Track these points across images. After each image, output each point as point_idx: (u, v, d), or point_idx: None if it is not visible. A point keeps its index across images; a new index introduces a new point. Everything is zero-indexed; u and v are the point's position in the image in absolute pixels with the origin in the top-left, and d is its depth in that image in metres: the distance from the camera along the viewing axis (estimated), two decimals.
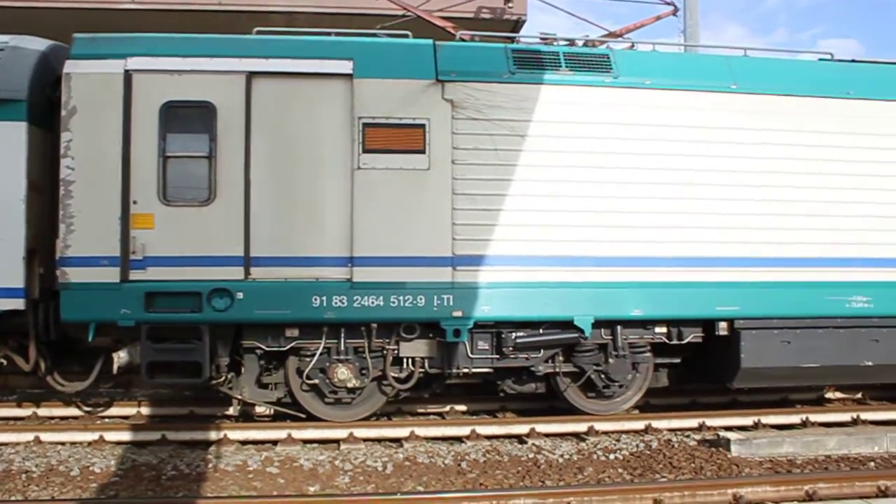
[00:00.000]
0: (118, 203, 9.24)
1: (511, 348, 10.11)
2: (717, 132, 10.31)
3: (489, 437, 10.17)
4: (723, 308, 10.19)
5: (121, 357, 9.45)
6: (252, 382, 10.20)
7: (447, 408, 11.61)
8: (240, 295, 9.31)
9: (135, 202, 9.31)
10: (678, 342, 10.56)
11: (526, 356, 10.27)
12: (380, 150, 9.62)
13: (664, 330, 10.56)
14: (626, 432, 10.39)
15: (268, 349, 9.89)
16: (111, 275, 9.14)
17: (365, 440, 9.95)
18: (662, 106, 10.24)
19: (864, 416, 11.30)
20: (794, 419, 11.09)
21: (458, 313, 9.67)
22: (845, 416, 11.30)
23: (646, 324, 10.46)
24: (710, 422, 10.72)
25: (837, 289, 10.44)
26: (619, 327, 10.38)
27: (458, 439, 10.15)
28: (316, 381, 10.06)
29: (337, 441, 9.91)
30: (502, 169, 9.86)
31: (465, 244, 9.73)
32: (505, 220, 9.84)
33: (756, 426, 10.75)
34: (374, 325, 9.81)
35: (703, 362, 11.02)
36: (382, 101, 9.67)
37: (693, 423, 10.69)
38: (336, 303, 9.47)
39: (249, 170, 9.48)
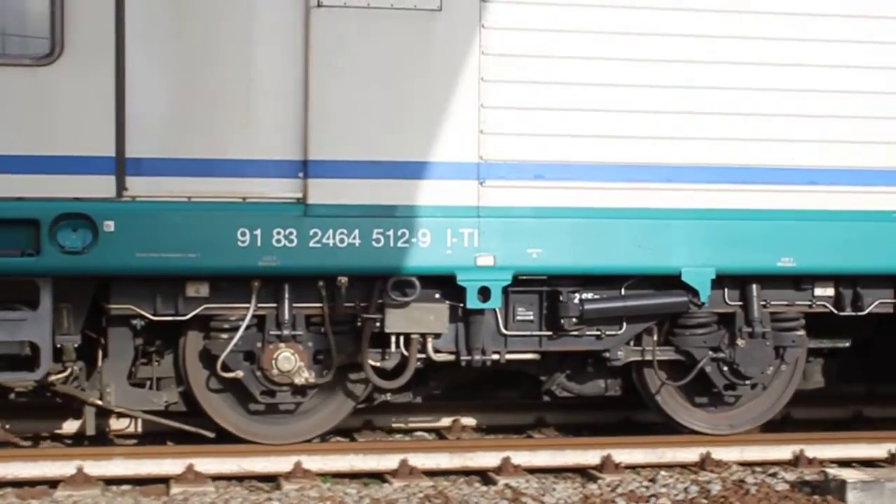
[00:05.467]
0: None
1: (574, 320, 7.05)
2: None
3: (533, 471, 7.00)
4: None
5: None
6: (122, 376, 7.09)
7: (449, 420, 8.64)
8: (108, 225, 6.56)
9: None
10: (852, 314, 7.50)
11: (598, 333, 7.23)
12: None
13: (830, 292, 7.51)
14: (666, 466, 7.56)
15: (154, 319, 6.87)
16: None
17: (322, 475, 6.80)
18: None
19: None
20: None
21: (486, 260, 6.90)
22: None
23: (800, 282, 7.45)
24: (811, 451, 7.84)
25: None
26: (755, 287, 7.35)
27: (479, 473, 7.06)
28: (237, 372, 6.95)
29: (274, 477, 6.77)
30: (566, 10, 6.89)
31: (500, 141, 6.86)
32: (568, 102, 6.93)
33: (892, 460, 7.90)
34: (344, 280, 6.88)
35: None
36: None
37: (784, 452, 7.81)
38: (279, 240, 6.74)
39: (124, 6, 6.52)
